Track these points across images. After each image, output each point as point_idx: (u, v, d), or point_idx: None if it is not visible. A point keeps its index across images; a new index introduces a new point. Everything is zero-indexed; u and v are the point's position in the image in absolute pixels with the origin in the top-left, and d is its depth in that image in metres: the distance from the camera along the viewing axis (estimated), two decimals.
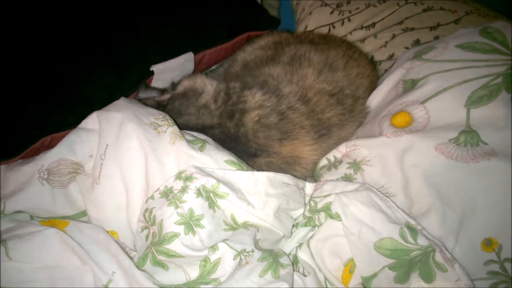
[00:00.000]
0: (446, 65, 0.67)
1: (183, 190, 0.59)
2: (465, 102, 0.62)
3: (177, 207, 0.57)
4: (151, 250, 0.54)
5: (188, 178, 0.60)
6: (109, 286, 0.51)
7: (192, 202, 0.57)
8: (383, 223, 0.57)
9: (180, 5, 0.85)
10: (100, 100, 0.67)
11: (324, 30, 1.05)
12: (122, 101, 0.68)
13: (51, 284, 0.51)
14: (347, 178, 0.68)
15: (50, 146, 0.62)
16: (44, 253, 0.52)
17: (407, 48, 0.92)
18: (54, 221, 0.58)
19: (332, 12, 1.06)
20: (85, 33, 0.70)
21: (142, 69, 0.74)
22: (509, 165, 0.55)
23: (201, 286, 0.51)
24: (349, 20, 1.03)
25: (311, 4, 1.11)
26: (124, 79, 0.72)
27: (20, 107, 0.62)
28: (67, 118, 0.64)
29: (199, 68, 0.88)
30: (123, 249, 0.55)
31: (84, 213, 0.61)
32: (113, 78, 0.71)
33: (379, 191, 0.62)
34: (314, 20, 1.07)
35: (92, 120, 0.64)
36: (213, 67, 0.94)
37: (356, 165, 0.68)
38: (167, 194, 0.59)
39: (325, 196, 0.64)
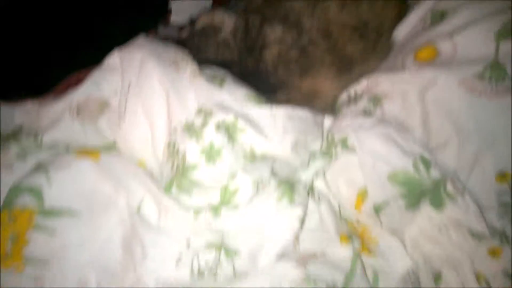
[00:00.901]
0: None
1: (204, 124, 0.61)
2: (494, 34, 0.59)
3: (198, 140, 0.59)
4: (176, 178, 0.58)
5: (208, 114, 0.62)
6: (140, 209, 0.56)
7: (212, 136, 0.60)
8: (397, 155, 0.57)
9: None
10: (121, 38, 0.69)
11: None
12: (141, 40, 0.69)
13: (88, 209, 0.56)
14: (366, 113, 0.68)
15: (78, 83, 0.65)
16: (80, 181, 0.57)
17: None
18: (87, 152, 0.62)
19: None
20: None
21: (161, 7, 0.74)
22: None
23: (223, 208, 0.55)
24: None
25: None
26: (145, 16, 0.72)
27: (49, 47, 0.65)
28: (93, 56, 0.66)
29: (217, 2, 0.86)
30: (150, 176, 0.60)
31: (113, 145, 0.65)
32: (133, 15, 0.71)
33: (397, 125, 0.62)
34: None
35: (114, 58, 0.66)
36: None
37: (376, 100, 0.67)
38: (188, 128, 0.61)
39: (341, 130, 0.64)
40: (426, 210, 0.56)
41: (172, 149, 0.61)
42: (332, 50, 0.72)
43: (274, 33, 0.73)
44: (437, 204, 0.54)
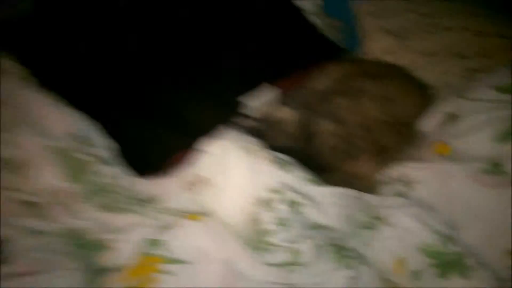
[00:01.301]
0: (481, 104, 0.84)
1: (275, 200, 0.83)
2: (495, 138, 0.79)
3: (272, 210, 0.81)
4: (257, 239, 0.80)
5: (278, 191, 0.85)
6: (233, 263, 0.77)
7: (282, 208, 0.82)
8: (427, 232, 0.75)
9: (263, 44, 1.10)
10: (212, 126, 0.93)
11: (385, 56, 1.21)
12: (230, 132, 0.93)
13: (195, 260, 0.77)
14: (400, 194, 0.87)
15: (182, 160, 0.91)
16: (191, 238, 0.77)
17: (462, 76, 1.07)
18: (195, 217, 0.84)
19: (393, 38, 1.22)
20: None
21: (237, 101, 1.00)
22: None
23: (293, 266, 0.75)
24: (407, 47, 1.19)
25: (373, 28, 1.28)
26: (227, 110, 0.98)
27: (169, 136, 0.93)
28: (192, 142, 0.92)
29: (284, 92, 1.11)
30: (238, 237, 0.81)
31: (213, 212, 0.87)
32: (220, 110, 0.98)
33: (427, 206, 0.81)
34: (377, 46, 1.24)
35: (212, 145, 0.89)
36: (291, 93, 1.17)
37: (407, 184, 0.87)
38: (264, 202, 0.84)
39: (382, 208, 0.84)
40: (455, 279, 0.69)
41: (252, 217, 0.83)
42: (370, 141, 0.94)
43: (325, 126, 0.96)
44: (464, 274, 0.68)
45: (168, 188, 0.88)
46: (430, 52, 1.14)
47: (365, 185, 0.92)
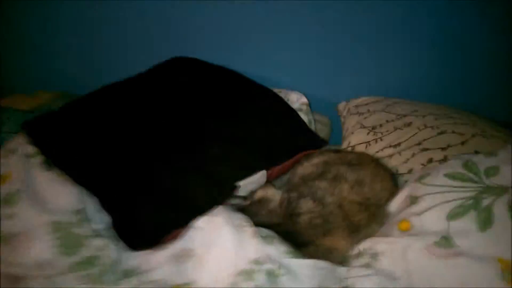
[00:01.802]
0: (435, 188, 0.99)
1: (257, 270, 0.94)
2: (446, 216, 0.92)
3: (251, 280, 0.92)
4: None
5: (258, 263, 0.96)
6: None
7: (261, 279, 0.92)
8: None
9: (257, 135, 1.28)
10: (207, 207, 1.08)
11: (362, 147, 1.40)
12: (220, 208, 1.07)
13: None
14: (368, 265, 0.98)
15: (176, 237, 1.03)
16: None
17: (423, 164, 1.23)
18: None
19: (368, 133, 1.42)
20: (198, 162, 1.16)
21: (233, 184, 1.15)
22: (472, 262, 0.83)
23: None
24: (381, 139, 1.37)
25: (353, 125, 1.49)
26: (222, 192, 1.13)
27: (162, 214, 1.06)
28: (189, 220, 1.05)
29: (270, 179, 1.27)
30: None
31: (195, 282, 0.98)
32: (215, 192, 1.12)
33: (388, 275, 0.92)
34: (355, 138, 1.43)
35: (202, 222, 1.03)
36: (279, 178, 1.33)
37: (374, 256, 0.98)
38: (244, 273, 0.94)
39: (350, 278, 0.95)
40: None
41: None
42: (345, 218, 1.07)
43: (306, 205, 1.10)
44: None
45: (155, 260, 0.99)
46: (397, 144, 1.32)
47: (338, 258, 1.03)
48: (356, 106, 1.56)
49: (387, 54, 1.60)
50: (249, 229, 1.01)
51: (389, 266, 0.94)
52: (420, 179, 1.05)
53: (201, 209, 1.08)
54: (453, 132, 1.29)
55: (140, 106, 1.32)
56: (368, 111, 1.50)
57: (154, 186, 1.11)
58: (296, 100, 1.46)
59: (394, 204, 1.09)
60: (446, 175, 1.00)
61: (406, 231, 0.96)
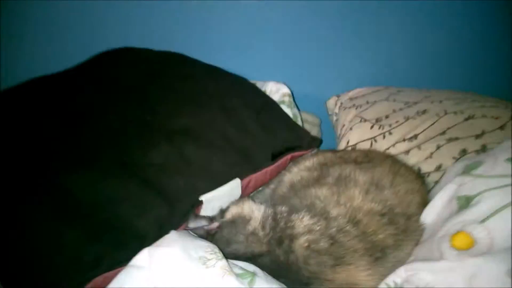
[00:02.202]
0: (498, 181, 0.65)
1: None
2: None
3: None
4: None
5: None
6: None
7: None
8: None
9: (226, 134, 0.92)
10: (151, 234, 0.70)
11: (366, 144, 1.06)
12: (172, 235, 0.69)
13: None
14: None
15: (102, 286, 0.63)
16: None
17: (454, 158, 0.90)
18: None
19: (372, 127, 1.09)
20: (137, 173, 0.77)
21: (191, 199, 0.77)
22: None
23: None
24: (390, 133, 1.04)
25: (350, 120, 1.16)
26: (174, 211, 0.75)
27: (78, 248, 0.66)
28: (120, 256, 0.66)
29: (246, 192, 0.90)
30: None
31: None
32: (164, 211, 0.74)
33: None
34: (356, 135, 1.10)
35: (143, 257, 0.65)
36: (260, 189, 0.96)
37: None
38: None
39: None
40: None
41: None
42: (362, 237, 0.71)
43: (302, 222, 0.73)
44: None
45: None
46: (412, 137, 0.99)
47: None
48: (351, 99, 1.24)
49: (378, 44, 1.31)
50: (218, 264, 0.64)
51: None
52: (468, 170, 0.71)
53: (143, 238, 0.69)
54: (484, 116, 0.98)
55: (60, 104, 0.94)
56: (367, 102, 1.18)
57: (69, 208, 0.72)
58: (276, 90, 1.13)
59: (432, 212, 0.75)
60: (509, 160, 0.67)
61: (467, 249, 0.61)
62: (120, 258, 0.66)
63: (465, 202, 0.67)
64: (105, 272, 0.65)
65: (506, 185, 0.64)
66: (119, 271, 0.64)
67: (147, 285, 0.62)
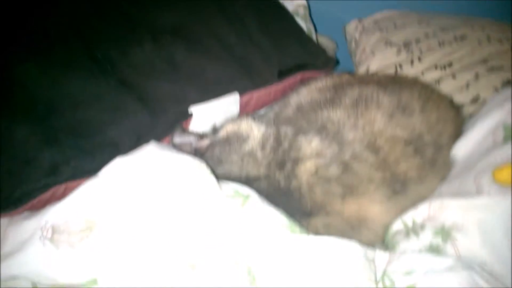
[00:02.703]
0: None
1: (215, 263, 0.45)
2: None
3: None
4: None
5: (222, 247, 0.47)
6: None
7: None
8: None
9: (226, 40, 0.77)
10: (127, 143, 0.58)
11: (390, 71, 0.91)
12: (151, 147, 0.57)
13: None
14: (434, 250, 0.52)
15: (63, 197, 0.52)
16: None
17: (496, 89, 0.76)
18: None
19: (399, 52, 0.93)
20: (115, 72, 0.63)
21: (178, 109, 0.64)
22: None
23: None
24: (420, 59, 0.89)
25: (374, 43, 1.00)
26: (157, 121, 0.62)
27: (32, 151, 0.54)
28: (86, 165, 0.55)
29: (245, 112, 0.77)
30: None
31: (95, 282, 0.49)
32: (144, 119, 0.61)
33: (484, 271, 0.45)
34: (378, 61, 0.95)
35: (113, 167, 0.54)
36: (262, 111, 0.83)
37: (445, 232, 0.52)
38: (191, 267, 0.46)
39: (405, 274, 0.47)
40: None
41: None
42: (381, 166, 0.58)
43: (310, 145, 0.61)
44: None
45: (20, 237, 0.49)
46: (446, 64, 0.84)
47: (371, 235, 0.55)
48: (376, 22, 1.07)
49: None
50: (207, 185, 0.52)
51: (478, 251, 0.47)
52: None
53: (115, 147, 0.57)
54: None
55: None
56: (395, 25, 1.02)
57: (20, 104, 0.59)
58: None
59: (467, 144, 0.62)
60: None
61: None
62: (86, 167, 0.55)
63: None
64: (67, 181, 0.54)
65: None
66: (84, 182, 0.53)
67: (116, 199, 0.51)
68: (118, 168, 0.54)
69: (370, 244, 0.56)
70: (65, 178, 0.54)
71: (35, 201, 0.52)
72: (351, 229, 0.56)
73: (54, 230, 0.48)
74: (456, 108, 0.73)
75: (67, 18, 0.69)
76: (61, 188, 0.54)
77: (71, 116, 0.58)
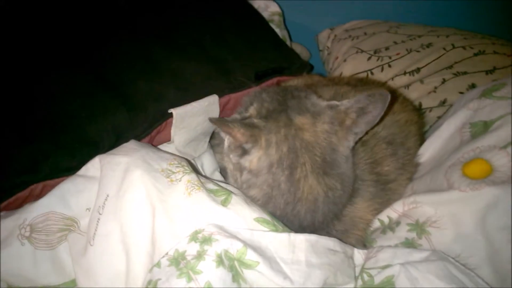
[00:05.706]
0: None
1: (200, 256, 0.45)
2: None
3: (190, 279, 0.43)
4: None
5: (207, 240, 0.47)
6: None
7: (210, 273, 0.43)
8: None
9: (201, 42, 0.78)
10: (106, 142, 0.57)
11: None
12: (131, 144, 0.57)
13: None
14: (410, 244, 0.53)
15: (41, 196, 0.50)
16: None
17: (461, 93, 0.80)
18: None
19: (369, 59, 0.97)
20: (93, 69, 0.62)
21: (158, 109, 0.64)
22: None
23: None
24: (390, 65, 0.93)
25: (345, 51, 1.03)
26: (136, 120, 0.62)
27: (9, 148, 0.52)
28: (64, 163, 0.53)
29: (224, 114, 0.78)
30: None
31: (74, 283, 0.48)
32: (122, 118, 0.61)
33: (458, 262, 0.47)
34: (350, 67, 0.98)
35: (93, 166, 0.53)
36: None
37: (419, 227, 0.54)
38: (177, 261, 0.45)
39: (383, 268, 0.49)
40: None
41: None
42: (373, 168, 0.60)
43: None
44: None
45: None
46: (414, 70, 0.88)
47: (359, 233, 0.57)
48: (346, 30, 1.11)
49: None
50: (184, 178, 0.52)
51: (451, 244, 0.49)
52: (488, 93, 0.61)
53: (95, 146, 0.57)
54: (495, 52, 0.87)
55: None
56: (365, 34, 1.06)
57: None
58: (265, 7, 0.98)
59: (435, 143, 0.65)
60: None
61: (484, 178, 0.51)
62: (64, 166, 0.53)
63: (481, 128, 0.57)
64: (46, 180, 0.52)
65: None
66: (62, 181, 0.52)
67: (95, 198, 0.50)
68: (97, 167, 0.53)
69: (355, 243, 0.58)
70: (43, 176, 0.52)
71: (12, 200, 0.50)
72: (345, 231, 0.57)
73: (32, 229, 0.46)
74: (419, 111, 0.76)
75: (45, 14, 0.67)
76: (39, 186, 0.52)
77: (49, 110, 0.56)
